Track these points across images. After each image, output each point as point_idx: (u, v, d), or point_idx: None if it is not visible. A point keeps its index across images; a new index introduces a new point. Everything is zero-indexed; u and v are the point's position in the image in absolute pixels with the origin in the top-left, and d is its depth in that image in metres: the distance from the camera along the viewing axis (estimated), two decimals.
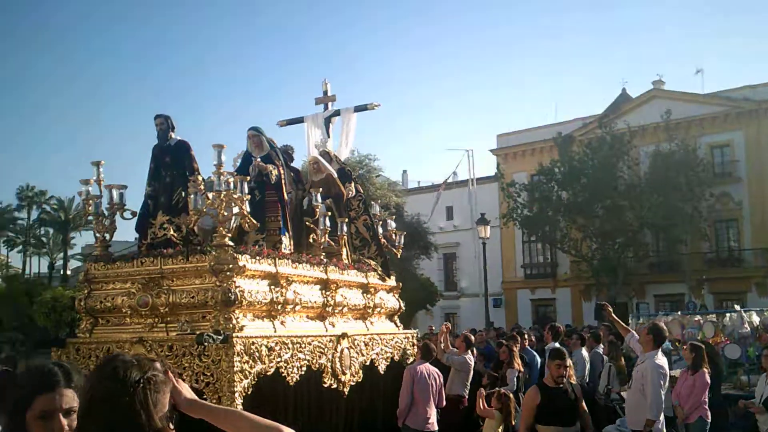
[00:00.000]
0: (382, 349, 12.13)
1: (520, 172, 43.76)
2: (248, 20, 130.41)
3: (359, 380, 11.16)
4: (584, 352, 13.40)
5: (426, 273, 41.11)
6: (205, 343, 8.37)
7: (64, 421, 2.65)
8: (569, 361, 8.54)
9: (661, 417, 8.46)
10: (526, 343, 14.41)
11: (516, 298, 46.13)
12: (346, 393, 10.80)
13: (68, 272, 67.02)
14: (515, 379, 12.08)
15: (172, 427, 2.44)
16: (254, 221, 9.58)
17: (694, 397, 10.19)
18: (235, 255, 9.07)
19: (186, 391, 2.61)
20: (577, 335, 15.16)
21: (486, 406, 9.47)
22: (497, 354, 13.62)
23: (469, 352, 11.79)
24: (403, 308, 13.73)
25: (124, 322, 9.72)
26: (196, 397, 2.64)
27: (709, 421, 10.28)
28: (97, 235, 10.15)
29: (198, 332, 8.60)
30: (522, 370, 12.50)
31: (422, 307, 38.62)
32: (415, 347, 13.04)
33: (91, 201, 9.96)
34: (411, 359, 12.59)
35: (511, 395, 9.55)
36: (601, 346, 14.22)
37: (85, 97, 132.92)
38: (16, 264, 75.82)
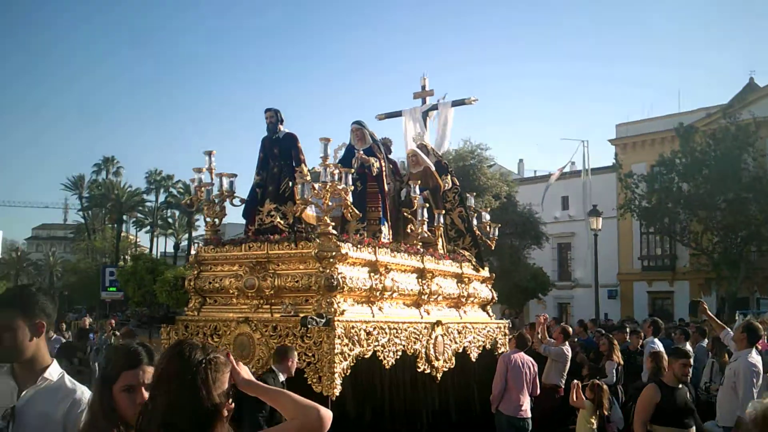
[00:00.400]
0: (474, 338, 12.42)
1: (639, 163, 42.51)
2: (352, 18, 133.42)
3: (452, 367, 11.47)
4: (688, 346, 13.31)
5: (539, 263, 40.81)
6: (309, 326, 8.78)
7: (146, 394, 3.00)
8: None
9: None
10: (627, 337, 14.27)
11: (632, 290, 44.87)
12: (439, 378, 11.12)
13: (192, 253, 69.56)
14: (614, 371, 12.10)
15: (231, 402, 2.79)
16: (356, 211, 9.96)
17: None
18: (338, 243, 9.48)
19: (245, 372, 2.91)
20: (681, 330, 15.02)
21: (580, 396, 9.63)
22: (597, 346, 13.66)
23: (567, 343, 11.89)
24: (496, 299, 13.98)
25: (231, 303, 10.26)
26: (253, 378, 2.93)
27: None
28: (208, 219, 10.70)
29: (302, 315, 9.01)
30: (621, 362, 12.50)
31: (533, 296, 38.53)
32: (507, 337, 13.30)
33: (203, 188, 10.51)
34: (501, 349, 12.86)
35: (605, 386, 9.64)
36: (706, 340, 14.04)
37: (205, 93, 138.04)
38: (144, 244, 79.64)
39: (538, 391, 10.68)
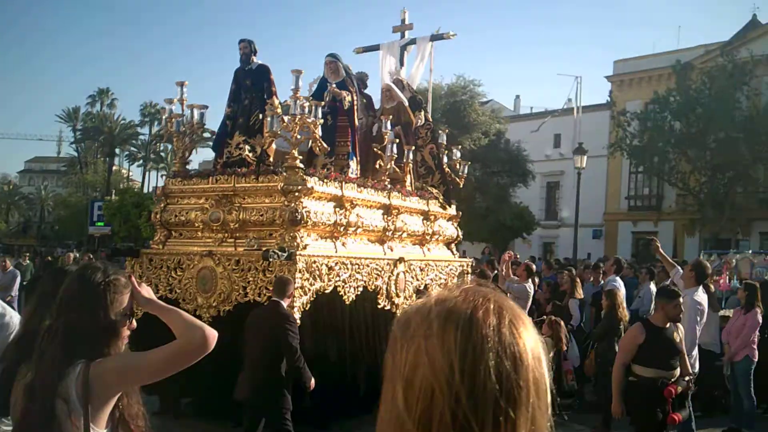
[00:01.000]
0: (436, 275, 12.52)
1: (634, 100, 41.37)
2: None
3: (412, 303, 11.59)
4: (652, 286, 13.38)
5: (527, 201, 40.73)
6: (271, 259, 8.85)
7: None
8: None
9: (694, 351, 8.45)
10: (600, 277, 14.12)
11: (617, 230, 44.61)
12: (398, 315, 11.23)
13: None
14: (578, 309, 12.16)
15: (133, 322, 2.98)
16: (324, 145, 9.94)
17: (743, 337, 10.07)
18: (304, 177, 9.48)
19: (146, 292, 3.03)
20: (647, 269, 15.11)
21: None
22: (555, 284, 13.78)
23: (530, 280, 11.95)
24: (461, 237, 14.03)
25: (196, 236, 10.31)
26: (153, 297, 3.06)
27: (756, 360, 10.25)
28: (177, 152, 10.64)
29: (264, 248, 9.05)
30: (582, 298, 12.57)
31: (517, 234, 38.41)
32: (469, 275, 13.42)
33: (173, 119, 10.42)
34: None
35: (562, 322, 9.72)
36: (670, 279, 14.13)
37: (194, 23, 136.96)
38: (137, 178, 78.64)
39: None
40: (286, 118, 9.44)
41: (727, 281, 15.44)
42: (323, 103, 10.11)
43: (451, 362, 1.09)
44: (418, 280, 11.83)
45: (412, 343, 1.14)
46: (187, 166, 11.08)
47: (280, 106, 10.18)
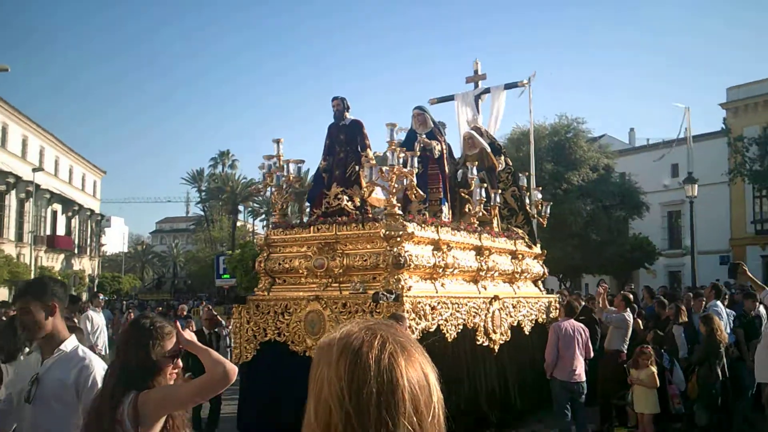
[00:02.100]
0: (528, 311, 12.78)
1: (752, 126, 39.99)
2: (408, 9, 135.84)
3: (507, 339, 11.81)
4: (719, 303, 13.13)
5: (649, 232, 39.94)
6: (381, 300, 9.19)
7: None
8: None
9: None
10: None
11: (745, 254, 40.89)
12: (496, 351, 11.47)
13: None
14: (683, 335, 11.98)
15: (178, 361, 3.61)
16: (421, 192, 10.33)
17: None
18: (404, 223, 9.86)
19: (188, 335, 3.58)
20: (711, 285, 14.66)
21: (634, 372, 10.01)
22: (656, 313, 13.60)
23: (628, 310, 11.99)
24: (546, 274, 14.24)
25: (299, 282, 10.73)
26: (193, 340, 3.59)
27: None
28: (276, 203, 11.11)
29: (373, 291, 9.39)
30: (687, 323, 12.24)
31: (639, 265, 37.75)
32: (557, 310, 13.59)
33: (272, 174, 10.91)
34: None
35: (650, 348, 9.86)
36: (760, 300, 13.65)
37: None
38: (261, 232, 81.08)
39: (591, 354, 10.87)
40: (384, 169, 9.83)
41: None
42: (417, 153, 10.50)
43: (342, 386, 1.34)
44: (511, 316, 12.09)
45: (320, 368, 1.41)
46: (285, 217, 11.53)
47: (374, 157, 10.60)
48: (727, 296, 13.42)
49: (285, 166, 11.08)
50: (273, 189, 11.08)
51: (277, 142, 11.13)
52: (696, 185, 26.51)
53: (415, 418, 1.34)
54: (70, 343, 4.19)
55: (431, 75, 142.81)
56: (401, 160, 9.81)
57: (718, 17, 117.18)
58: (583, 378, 10.35)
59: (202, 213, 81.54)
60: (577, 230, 33.38)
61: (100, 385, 3.86)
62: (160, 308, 29.27)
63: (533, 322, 12.93)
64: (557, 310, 13.49)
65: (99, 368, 4.17)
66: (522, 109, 24.07)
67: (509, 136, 36.65)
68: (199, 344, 3.60)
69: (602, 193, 35.27)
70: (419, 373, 1.38)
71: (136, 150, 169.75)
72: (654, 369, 10.01)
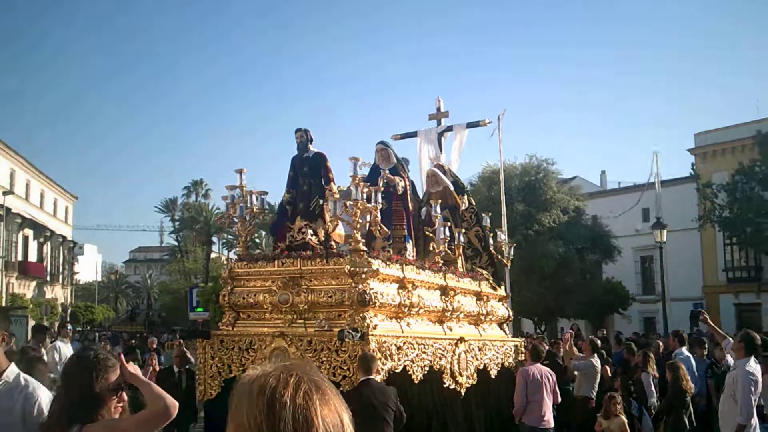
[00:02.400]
0: (494, 354, 12.55)
1: (720, 171, 40.87)
2: (368, 41, 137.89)
3: (474, 383, 11.56)
4: (684, 350, 13.14)
5: (622, 277, 40.30)
6: (346, 339, 8.88)
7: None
8: None
9: (753, 421, 8.43)
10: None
11: (718, 302, 42.63)
12: (463, 394, 11.20)
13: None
14: (651, 383, 11.97)
15: (123, 394, 3.66)
16: (385, 228, 10.11)
17: None
18: (369, 259, 9.60)
19: (132, 368, 3.67)
20: (673, 334, 14.74)
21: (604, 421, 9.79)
22: (625, 360, 13.53)
23: (595, 355, 11.89)
24: (512, 317, 14.08)
25: (264, 318, 10.35)
26: (137, 374, 3.68)
27: None
28: (240, 236, 10.79)
29: (338, 329, 9.09)
30: (657, 375, 12.31)
31: (613, 310, 37.85)
32: (522, 354, 13.40)
33: (236, 205, 10.60)
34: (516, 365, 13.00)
35: (619, 396, 9.73)
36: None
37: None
38: None
39: (559, 399, 10.74)
40: (348, 203, 9.60)
41: None
42: (381, 188, 10.30)
43: (260, 423, 1.41)
44: (477, 359, 11.85)
45: (239, 404, 1.47)
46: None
47: (339, 191, 10.37)
48: (706, 345, 13.45)
49: (248, 197, 10.77)
50: (236, 220, 10.76)
51: (240, 172, 10.81)
52: (665, 231, 26.67)
53: None
54: (11, 371, 4.22)
55: (394, 111, 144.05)
56: (365, 196, 9.61)
57: (688, 61, 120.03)
58: (552, 424, 10.18)
59: (176, 243, 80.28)
60: (549, 272, 33.53)
61: (45, 412, 3.88)
62: (133, 341, 28.65)
63: (499, 365, 12.69)
64: (523, 354, 13.31)
65: (44, 396, 4.20)
66: (493, 148, 24.47)
67: (480, 174, 37.32)
68: (142, 378, 3.70)
69: (573, 236, 35.76)
70: (333, 413, 1.47)
71: (109, 177, 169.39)
72: (624, 418, 9.83)
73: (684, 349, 12.16)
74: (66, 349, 14.09)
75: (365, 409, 7.59)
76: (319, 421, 1.42)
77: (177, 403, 3.62)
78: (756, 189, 35.49)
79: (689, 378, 10.50)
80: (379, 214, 9.81)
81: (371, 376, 7.87)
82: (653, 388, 11.63)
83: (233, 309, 10.58)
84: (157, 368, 13.88)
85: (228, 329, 10.51)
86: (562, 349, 12.43)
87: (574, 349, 11.87)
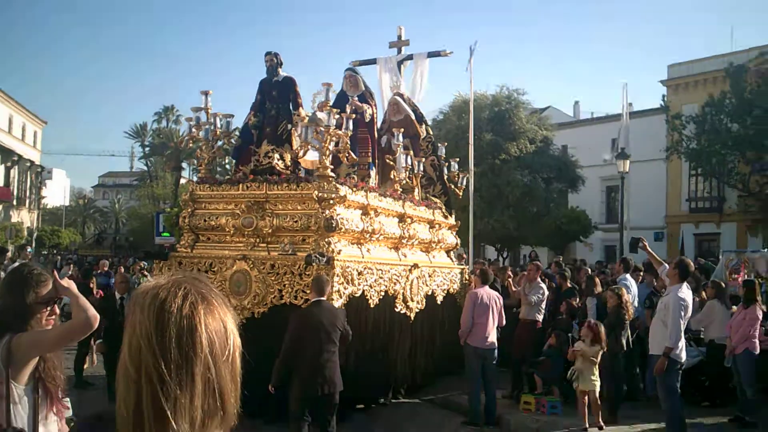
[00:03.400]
0: (441, 281, 12.88)
1: (690, 104, 40.09)
2: None
3: (422, 308, 11.87)
4: (628, 276, 13.32)
5: (586, 206, 40.13)
6: (313, 263, 9.04)
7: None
8: None
9: (681, 343, 8.87)
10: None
11: (680, 231, 41.98)
12: (412, 318, 11.51)
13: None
14: (595, 308, 12.25)
15: (55, 307, 3.91)
16: (353, 156, 10.21)
17: (742, 330, 10.48)
18: (337, 185, 9.71)
19: (65, 283, 3.86)
20: (620, 260, 14.91)
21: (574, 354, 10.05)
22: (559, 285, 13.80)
23: (538, 278, 12.13)
24: (459, 245, 14.38)
25: (225, 240, 10.42)
26: (71, 288, 3.83)
27: (757, 353, 10.57)
28: (203, 158, 10.74)
29: (306, 254, 9.24)
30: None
31: (575, 238, 38.15)
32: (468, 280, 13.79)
33: (201, 127, 10.54)
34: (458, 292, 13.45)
35: (600, 324, 9.97)
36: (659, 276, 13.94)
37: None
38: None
39: (504, 322, 11.02)
40: (320, 129, 9.64)
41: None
42: (353, 115, 10.34)
43: (149, 330, 1.54)
44: (427, 285, 12.13)
45: (134, 313, 1.60)
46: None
47: (306, 116, 10.38)
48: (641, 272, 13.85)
49: (214, 120, 10.70)
50: (200, 143, 10.70)
51: (206, 94, 10.70)
52: (628, 161, 26.69)
53: (210, 358, 1.56)
54: None
55: (355, 38, 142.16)
56: (334, 122, 9.66)
57: None
58: (495, 345, 10.50)
59: (145, 168, 79.05)
60: (514, 201, 33.91)
61: None
62: (88, 264, 27.99)
63: (445, 291, 13.05)
64: (468, 280, 13.66)
65: None
66: (465, 79, 24.53)
67: (452, 104, 37.23)
68: (73, 291, 3.81)
69: (540, 166, 35.96)
70: (218, 321, 1.60)
71: (80, 102, 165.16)
72: (602, 347, 10.01)
73: (627, 275, 12.52)
74: None
75: (315, 327, 7.79)
76: (202, 328, 1.56)
77: (98, 316, 3.76)
78: (724, 121, 35.62)
79: (630, 303, 10.90)
80: (348, 141, 9.89)
81: (323, 298, 8.03)
82: (595, 312, 11.93)
83: (193, 231, 10.62)
84: (99, 293, 13.77)
85: (187, 251, 10.55)
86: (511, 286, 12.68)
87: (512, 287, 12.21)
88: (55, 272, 3.93)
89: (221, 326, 1.60)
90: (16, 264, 18.78)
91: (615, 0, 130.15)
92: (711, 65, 41.76)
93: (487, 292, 10.65)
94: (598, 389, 9.80)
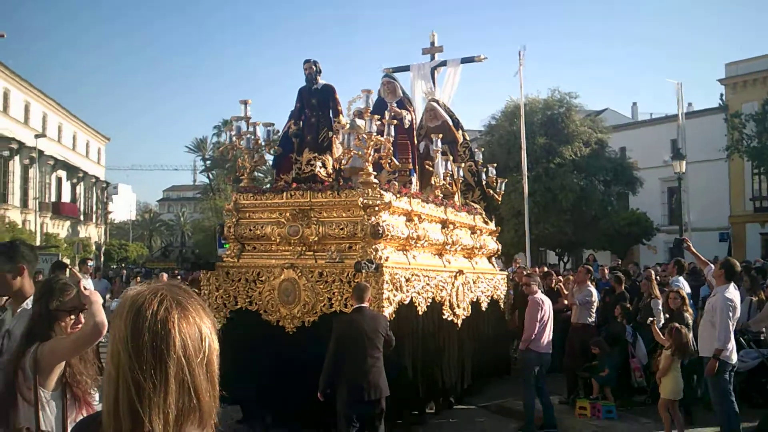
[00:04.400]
0: (485, 287, 12.78)
1: (750, 102, 39.29)
2: None
3: (468, 315, 11.76)
4: (682, 279, 13.05)
5: (646, 208, 39.76)
6: (363, 270, 8.97)
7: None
8: None
9: (730, 344, 8.71)
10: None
11: (745, 231, 42.14)
12: (459, 326, 11.40)
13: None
14: (660, 309, 11.95)
15: (80, 316, 4.05)
16: (396, 162, 10.13)
17: None
18: (381, 192, 9.63)
19: (87, 293, 4.00)
20: (674, 262, 14.65)
21: (658, 335, 9.75)
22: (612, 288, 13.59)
23: (587, 282, 12.00)
24: (500, 250, 14.30)
25: (271, 250, 10.35)
26: (91, 295, 3.98)
27: None
28: (246, 167, 10.70)
29: (355, 261, 9.16)
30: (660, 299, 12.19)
31: (636, 241, 37.78)
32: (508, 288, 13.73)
33: (243, 136, 10.50)
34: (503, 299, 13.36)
35: (683, 328, 9.56)
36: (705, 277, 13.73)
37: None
38: None
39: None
40: (362, 136, 9.58)
41: None
42: (395, 121, 10.27)
43: (126, 334, 1.65)
44: (472, 292, 12.03)
45: (116, 318, 1.71)
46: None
47: (348, 123, 10.31)
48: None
49: (254, 128, 10.66)
50: (243, 152, 10.67)
51: (245, 103, 10.67)
52: (684, 162, 26.56)
53: (184, 360, 1.65)
54: (32, 300, 4.48)
55: (388, 44, 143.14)
56: (375, 128, 9.60)
57: None
58: (550, 350, 10.41)
59: (207, 181, 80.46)
60: (568, 205, 33.57)
61: None
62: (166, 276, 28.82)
63: (489, 297, 12.93)
64: (510, 287, 13.58)
65: None
66: (516, 84, 24.27)
67: (504, 109, 37.15)
68: (93, 299, 3.95)
69: (595, 168, 35.70)
70: (192, 326, 1.69)
71: (142, 118, 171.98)
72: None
73: (680, 278, 12.41)
74: (87, 284, 14.01)
75: (357, 334, 7.80)
76: (175, 332, 1.65)
77: (106, 323, 3.82)
78: None
79: (689, 304, 10.78)
80: (391, 147, 9.82)
81: (364, 305, 8.00)
82: (661, 315, 11.72)
83: (238, 241, 10.56)
84: None
85: (233, 261, 10.50)
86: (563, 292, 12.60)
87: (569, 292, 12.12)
88: (81, 282, 4.14)
89: (196, 330, 1.70)
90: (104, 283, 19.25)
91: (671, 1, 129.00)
92: None
93: (545, 298, 10.58)
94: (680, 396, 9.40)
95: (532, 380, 10.16)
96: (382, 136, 9.80)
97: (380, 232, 9.49)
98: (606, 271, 16.29)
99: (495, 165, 14.85)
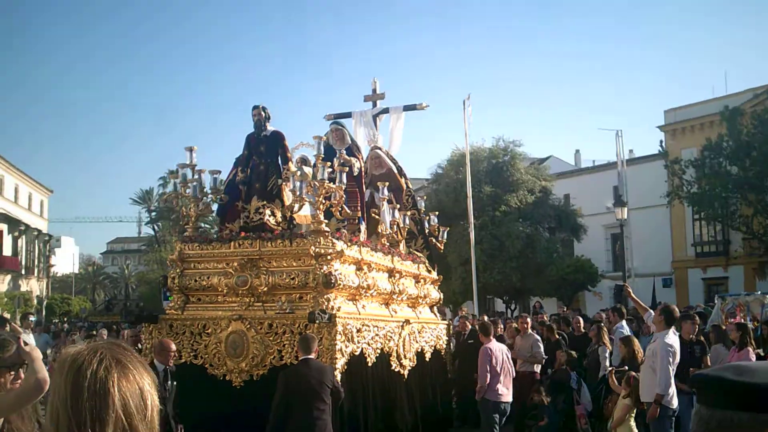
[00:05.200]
0: (429, 337, 12.68)
1: (689, 148, 40.26)
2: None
3: (413, 365, 11.62)
4: (624, 323, 13.26)
5: (592, 254, 40.28)
6: (317, 321, 8.78)
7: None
8: None
9: (671, 390, 8.84)
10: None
11: (687, 277, 43.00)
12: (406, 376, 11.25)
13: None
14: (607, 356, 12.09)
15: (20, 372, 3.98)
16: (347, 210, 10.03)
17: None
18: (333, 240, 9.49)
19: (28, 348, 3.94)
20: (614, 309, 14.91)
21: (613, 383, 9.73)
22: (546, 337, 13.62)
23: (529, 330, 12.07)
24: (441, 300, 14.25)
25: (218, 301, 10.08)
26: (32, 351, 3.92)
27: None
28: (191, 216, 10.44)
29: (306, 311, 8.97)
30: (610, 348, 12.31)
31: (582, 288, 37.83)
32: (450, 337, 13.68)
33: (188, 184, 10.26)
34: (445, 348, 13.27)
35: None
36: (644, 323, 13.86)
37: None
38: None
39: (514, 374, 10.93)
40: (314, 183, 9.47)
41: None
42: (346, 168, 10.18)
43: (66, 394, 1.68)
44: (417, 342, 11.92)
45: (56, 377, 1.75)
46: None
47: (297, 172, 10.17)
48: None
49: (199, 176, 10.43)
50: (188, 200, 10.41)
51: (190, 150, 10.45)
52: (626, 209, 27.15)
53: (124, 419, 1.68)
54: None
55: (330, 91, 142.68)
56: (326, 176, 9.52)
57: (657, 40, 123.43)
58: (510, 398, 10.35)
59: (152, 233, 79.29)
60: (515, 253, 33.92)
61: None
62: (93, 331, 27.99)
63: (432, 347, 12.82)
64: (450, 336, 13.55)
65: None
66: (462, 131, 24.56)
67: (449, 158, 37.64)
68: (34, 355, 3.89)
69: (539, 216, 36.36)
70: (132, 383, 1.73)
71: (86, 170, 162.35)
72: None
73: (623, 323, 12.64)
74: (28, 339, 13.51)
75: (304, 387, 7.70)
76: (114, 390, 1.68)
77: (48, 379, 3.74)
78: (723, 164, 35.72)
79: (641, 350, 10.87)
80: (343, 195, 9.71)
81: (311, 356, 7.87)
82: (608, 362, 11.83)
83: (183, 292, 10.27)
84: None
85: (177, 313, 10.18)
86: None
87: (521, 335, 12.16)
88: (22, 338, 4.23)
89: (136, 388, 1.74)
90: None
91: (611, 48, 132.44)
92: (707, 109, 42.19)
93: (497, 346, 10.54)
94: None
95: (491, 429, 10.10)
96: (334, 183, 9.71)
97: (333, 281, 9.35)
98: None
99: (437, 213, 14.89)
